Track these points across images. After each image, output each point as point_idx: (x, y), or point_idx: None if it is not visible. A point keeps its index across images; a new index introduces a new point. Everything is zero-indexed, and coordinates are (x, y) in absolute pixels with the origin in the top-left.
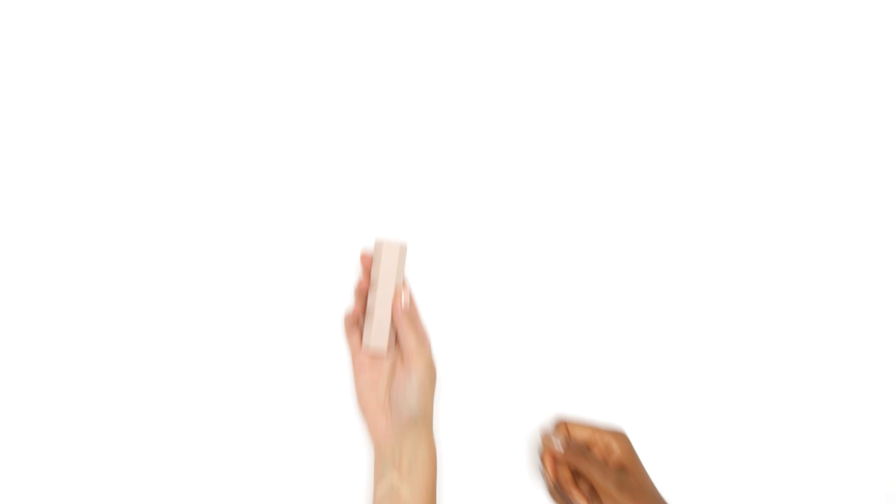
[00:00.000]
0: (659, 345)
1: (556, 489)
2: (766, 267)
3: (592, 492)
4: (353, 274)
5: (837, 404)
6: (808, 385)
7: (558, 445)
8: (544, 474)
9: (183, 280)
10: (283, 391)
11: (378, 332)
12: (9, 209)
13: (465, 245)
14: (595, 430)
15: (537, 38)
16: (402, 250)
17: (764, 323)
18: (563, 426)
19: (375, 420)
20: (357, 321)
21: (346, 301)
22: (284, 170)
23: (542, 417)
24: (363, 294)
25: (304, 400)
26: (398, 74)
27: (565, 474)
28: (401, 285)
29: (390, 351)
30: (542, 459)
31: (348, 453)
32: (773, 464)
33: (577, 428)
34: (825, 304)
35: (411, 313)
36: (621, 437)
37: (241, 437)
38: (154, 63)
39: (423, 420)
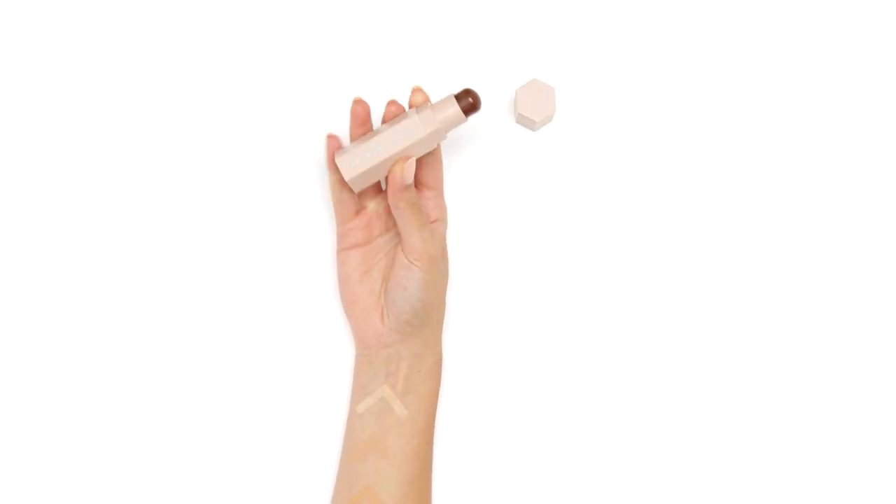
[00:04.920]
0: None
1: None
2: (764, 267)
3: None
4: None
5: (837, 404)
6: (808, 385)
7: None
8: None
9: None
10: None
11: (358, 160)
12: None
13: (466, 247)
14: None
15: (536, 39)
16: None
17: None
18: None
19: (367, 317)
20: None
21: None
22: (283, 165)
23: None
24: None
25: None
26: (397, 75)
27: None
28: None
29: (362, 198)
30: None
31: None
32: (773, 464)
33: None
34: (824, 304)
35: (411, 191)
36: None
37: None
38: (150, 58)
39: (430, 323)
